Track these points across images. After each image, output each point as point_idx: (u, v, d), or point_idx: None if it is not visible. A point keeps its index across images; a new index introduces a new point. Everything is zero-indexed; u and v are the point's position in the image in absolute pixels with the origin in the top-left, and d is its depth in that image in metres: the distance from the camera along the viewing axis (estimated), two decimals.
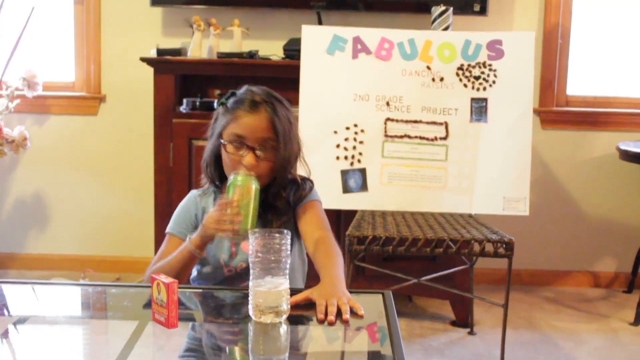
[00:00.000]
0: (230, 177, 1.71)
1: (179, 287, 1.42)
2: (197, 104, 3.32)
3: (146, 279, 1.81)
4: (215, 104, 3.22)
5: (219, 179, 1.90)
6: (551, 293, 3.76)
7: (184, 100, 3.34)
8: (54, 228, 3.92)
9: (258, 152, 1.78)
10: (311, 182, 1.94)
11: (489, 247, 2.51)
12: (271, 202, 1.85)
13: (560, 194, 3.83)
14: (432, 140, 2.98)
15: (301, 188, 1.91)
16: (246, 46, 3.46)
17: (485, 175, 2.97)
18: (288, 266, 1.42)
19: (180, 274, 1.76)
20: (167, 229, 1.91)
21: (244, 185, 1.68)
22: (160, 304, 1.41)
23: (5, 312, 1.57)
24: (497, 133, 2.99)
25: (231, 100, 1.85)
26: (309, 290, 1.53)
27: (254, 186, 1.69)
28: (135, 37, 3.74)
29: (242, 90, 1.87)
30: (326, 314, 1.43)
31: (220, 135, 1.83)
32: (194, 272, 1.92)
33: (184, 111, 3.32)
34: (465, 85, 3.00)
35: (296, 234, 1.88)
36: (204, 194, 1.94)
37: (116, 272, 3.72)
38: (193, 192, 1.96)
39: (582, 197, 3.83)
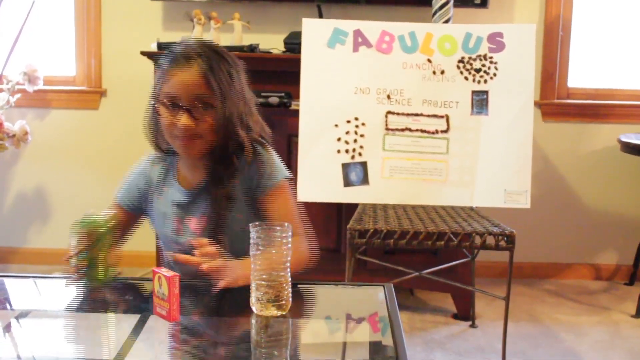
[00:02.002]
0: (78, 220, 1.58)
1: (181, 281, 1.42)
2: None
3: None
4: None
5: (164, 144, 1.80)
6: (552, 286, 3.76)
7: None
8: (55, 222, 3.92)
9: (194, 113, 1.64)
10: (266, 147, 1.76)
11: (490, 240, 2.52)
12: (217, 169, 1.71)
13: (561, 186, 3.83)
14: (433, 133, 2.98)
15: (259, 160, 1.73)
16: (246, 40, 3.46)
17: (487, 168, 2.96)
18: (289, 259, 1.42)
19: None
20: (116, 195, 1.85)
21: (86, 231, 1.55)
22: (161, 297, 1.41)
23: (7, 306, 1.57)
24: (498, 126, 2.98)
25: (166, 58, 1.72)
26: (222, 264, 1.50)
27: (101, 229, 1.55)
28: (136, 31, 3.74)
29: (178, 44, 1.74)
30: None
31: (156, 98, 1.71)
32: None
33: None
34: (466, 78, 3.00)
35: (257, 216, 1.75)
36: (156, 161, 1.85)
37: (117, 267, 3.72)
38: (147, 159, 1.88)
39: (584, 189, 3.83)
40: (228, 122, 1.66)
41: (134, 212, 1.83)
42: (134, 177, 1.86)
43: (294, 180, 1.80)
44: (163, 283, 1.40)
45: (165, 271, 1.40)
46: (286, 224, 1.43)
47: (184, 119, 1.63)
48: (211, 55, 1.67)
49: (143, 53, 3.33)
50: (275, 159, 1.77)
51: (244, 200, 1.74)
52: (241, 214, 1.73)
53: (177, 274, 1.41)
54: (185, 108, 1.64)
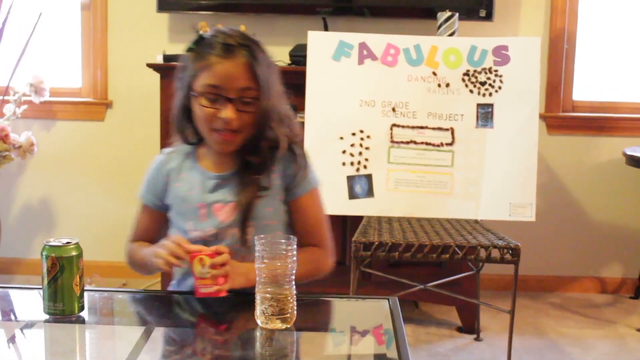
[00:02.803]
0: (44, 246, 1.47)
1: (184, 294, 1.43)
2: None
3: (127, 254, 1.80)
4: None
5: (193, 136, 1.74)
6: (558, 299, 3.75)
7: None
8: (61, 233, 3.92)
9: (237, 105, 1.60)
10: (304, 153, 1.74)
11: (495, 253, 2.51)
12: (251, 158, 1.68)
13: (566, 199, 3.82)
14: (438, 146, 2.98)
15: (302, 161, 1.72)
16: None
17: (492, 181, 2.96)
18: (294, 272, 1.42)
19: (146, 272, 1.77)
20: (139, 194, 1.80)
21: (48, 260, 1.45)
22: (206, 277, 1.48)
23: (12, 317, 1.58)
24: (503, 139, 2.98)
25: (201, 45, 1.65)
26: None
27: (65, 255, 1.47)
28: (142, 43, 3.76)
29: (211, 32, 1.67)
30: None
31: (190, 86, 1.64)
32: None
33: None
34: (471, 91, 3.00)
35: (286, 212, 1.75)
36: (173, 152, 1.78)
37: (122, 278, 3.73)
38: (162, 152, 1.82)
39: (589, 202, 3.82)
40: (268, 115, 1.64)
41: (160, 209, 1.77)
42: (152, 175, 1.80)
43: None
44: (206, 263, 1.48)
45: (205, 250, 1.51)
46: (292, 237, 1.43)
47: (227, 112, 1.59)
48: (253, 46, 1.63)
49: (149, 65, 3.34)
50: (311, 164, 1.76)
51: (277, 194, 1.71)
52: (271, 208, 1.71)
53: (219, 249, 1.51)
54: (230, 100, 1.60)
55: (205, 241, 1.68)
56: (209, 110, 1.61)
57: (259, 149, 1.67)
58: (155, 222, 1.80)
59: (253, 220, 1.68)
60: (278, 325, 1.40)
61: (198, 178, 1.72)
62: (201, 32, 1.69)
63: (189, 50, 1.67)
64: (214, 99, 1.61)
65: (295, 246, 1.42)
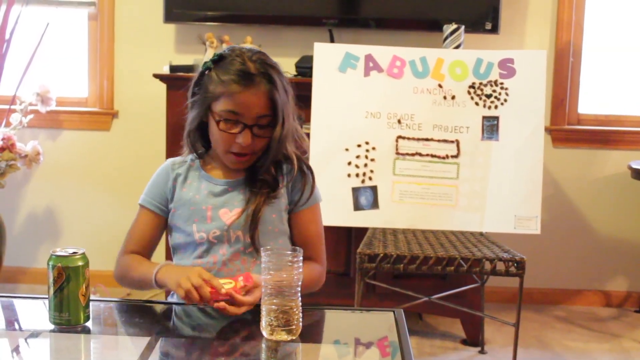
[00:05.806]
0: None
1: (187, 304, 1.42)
2: None
3: (119, 268, 1.81)
4: None
5: (203, 147, 1.80)
6: (562, 312, 3.74)
7: None
8: (65, 243, 3.93)
9: (255, 130, 1.67)
10: (310, 168, 1.81)
11: (500, 266, 2.51)
12: (260, 175, 1.73)
13: (571, 212, 3.81)
14: (443, 158, 2.98)
15: (309, 177, 1.79)
16: None
17: (497, 194, 2.96)
18: (300, 283, 1.42)
19: (137, 288, 1.80)
20: (139, 200, 1.83)
21: (55, 270, 1.45)
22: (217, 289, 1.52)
23: (17, 327, 1.58)
24: (508, 151, 2.99)
25: (220, 67, 1.68)
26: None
27: (71, 265, 1.47)
28: (149, 53, 3.77)
29: (231, 53, 1.70)
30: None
31: (209, 107, 1.69)
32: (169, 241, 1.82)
33: None
34: (476, 104, 3.01)
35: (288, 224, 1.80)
36: (179, 162, 1.83)
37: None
38: (169, 160, 1.85)
39: (594, 215, 3.81)
40: (283, 138, 1.70)
41: (161, 213, 1.80)
42: (158, 179, 1.83)
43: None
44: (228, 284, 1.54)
45: (241, 279, 1.56)
46: (298, 248, 1.44)
47: (244, 137, 1.66)
48: (272, 73, 1.69)
49: (155, 75, 3.35)
50: (315, 183, 1.83)
51: (283, 203, 1.76)
52: (275, 214, 1.75)
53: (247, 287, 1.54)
54: (248, 126, 1.66)
55: (210, 242, 1.72)
56: (227, 135, 1.67)
57: (269, 166, 1.73)
58: (153, 228, 1.82)
59: (260, 225, 1.73)
60: (283, 336, 1.40)
61: (205, 184, 1.77)
62: (220, 51, 1.72)
63: (207, 68, 1.70)
64: (233, 124, 1.67)
65: (301, 258, 1.42)
